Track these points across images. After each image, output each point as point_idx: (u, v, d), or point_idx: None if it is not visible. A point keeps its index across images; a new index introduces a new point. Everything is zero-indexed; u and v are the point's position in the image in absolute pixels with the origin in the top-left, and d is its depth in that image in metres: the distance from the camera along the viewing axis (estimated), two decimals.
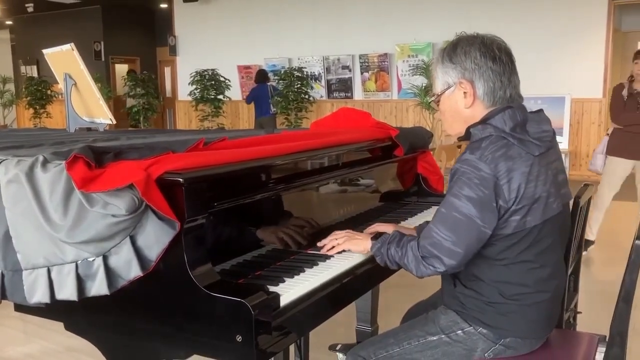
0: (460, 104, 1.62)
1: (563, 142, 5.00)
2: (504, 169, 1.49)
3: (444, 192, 2.62)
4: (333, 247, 1.81)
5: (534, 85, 8.23)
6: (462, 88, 1.60)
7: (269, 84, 10.40)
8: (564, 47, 8.76)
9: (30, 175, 1.48)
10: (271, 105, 10.26)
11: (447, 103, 1.66)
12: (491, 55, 1.57)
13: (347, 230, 1.87)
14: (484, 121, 1.57)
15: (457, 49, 1.61)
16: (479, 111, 1.60)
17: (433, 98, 1.70)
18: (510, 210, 1.51)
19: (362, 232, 2.01)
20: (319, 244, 1.84)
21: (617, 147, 4.69)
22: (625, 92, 4.64)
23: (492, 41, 1.60)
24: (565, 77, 8.39)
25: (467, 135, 1.62)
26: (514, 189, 1.49)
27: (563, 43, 8.79)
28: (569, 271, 2.01)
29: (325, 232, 1.97)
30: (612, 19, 8.62)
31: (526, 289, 1.59)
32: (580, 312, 2.29)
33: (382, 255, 1.67)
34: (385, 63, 10.57)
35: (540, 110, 1.66)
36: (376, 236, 1.76)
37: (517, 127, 1.54)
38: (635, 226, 1.72)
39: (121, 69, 14.80)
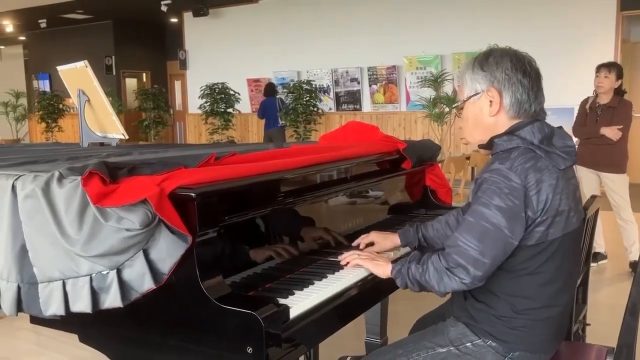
0: (485, 111, 1.65)
1: None
2: (534, 180, 1.51)
3: (452, 204, 2.64)
4: (354, 259, 1.81)
5: None
6: (489, 96, 1.63)
7: (277, 97, 10.48)
8: (572, 58, 8.75)
9: (46, 190, 1.51)
10: (279, 118, 10.33)
11: (470, 110, 1.68)
12: (522, 68, 1.61)
13: (370, 251, 1.88)
14: (511, 132, 1.59)
15: (489, 58, 1.64)
16: (502, 121, 1.63)
17: (458, 103, 1.73)
18: (536, 221, 1.53)
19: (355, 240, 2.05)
20: (339, 258, 1.85)
21: (581, 157, 4.72)
22: (588, 106, 4.66)
23: (523, 57, 1.64)
24: (574, 87, 8.38)
25: (488, 145, 1.64)
26: (542, 201, 1.51)
27: (571, 54, 8.79)
28: (577, 283, 2.02)
29: (335, 244, 1.99)
30: (621, 30, 8.63)
31: (537, 304, 1.59)
32: (589, 324, 2.29)
33: (402, 276, 1.65)
34: (394, 75, 10.61)
35: (560, 127, 1.68)
36: (396, 260, 1.76)
37: (545, 139, 1.57)
38: None
39: (132, 82, 14.95)
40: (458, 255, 1.52)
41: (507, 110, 1.62)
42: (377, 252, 1.94)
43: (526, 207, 1.50)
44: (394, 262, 1.74)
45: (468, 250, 1.51)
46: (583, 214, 1.70)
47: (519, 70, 1.60)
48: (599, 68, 4.57)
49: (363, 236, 2.04)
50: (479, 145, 1.71)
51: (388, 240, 2.03)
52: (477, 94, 1.65)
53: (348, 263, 1.81)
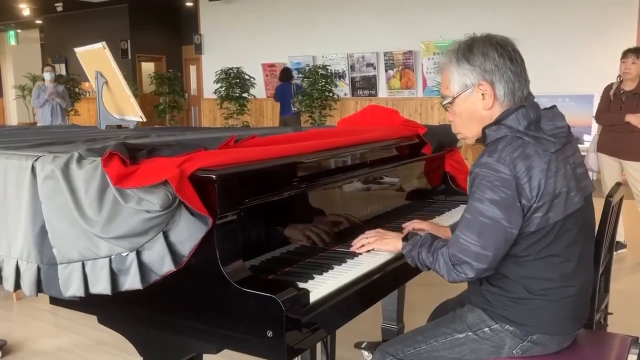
0: (479, 105, 1.61)
1: (591, 141, 4.93)
2: (523, 168, 1.49)
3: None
4: (363, 245, 1.82)
5: (562, 83, 8.10)
6: (480, 90, 1.59)
7: (292, 82, 10.39)
8: (593, 44, 8.61)
9: (65, 171, 1.51)
10: (292, 104, 10.23)
11: (463, 105, 1.64)
12: (509, 56, 1.57)
13: (377, 230, 1.87)
14: (498, 122, 1.57)
15: (473, 50, 1.59)
16: (497, 112, 1.60)
17: (448, 100, 1.66)
18: (532, 207, 1.51)
19: (399, 228, 2.05)
20: (352, 246, 1.84)
21: (603, 145, 4.65)
22: (612, 92, 4.57)
23: (506, 42, 1.60)
24: (594, 74, 8.25)
25: (483, 137, 1.62)
26: (535, 187, 1.50)
27: (592, 40, 8.64)
28: (600, 271, 1.98)
29: (354, 229, 1.97)
30: None
31: (551, 284, 1.58)
32: (611, 313, 2.26)
33: (413, 258, 1.68)
34: (410, 60, 10.52)
35: (554, 107, 1.65)
36: (407, 237, 1.76)
37: (532, 125, 1.54)
38: None
39: (147, 67, 14.96)
40: (461, 253, 1.53)
41: (501, 101, 1.59)
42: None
43: (519, 196, 1.50)
44: (404, 239, 1.75)
45: (470, 246, 1.52)
46: (589, 191, 1.66)
47: (506, 58, 1.57)
48: (626, 53, 4.47)
49: (415, 221, 2.05)
50: (476, 140, 1.67)
51: (442, 231, 2.01)
52: (467, 89, 1.61)
53: (363, 246, 1.82)
